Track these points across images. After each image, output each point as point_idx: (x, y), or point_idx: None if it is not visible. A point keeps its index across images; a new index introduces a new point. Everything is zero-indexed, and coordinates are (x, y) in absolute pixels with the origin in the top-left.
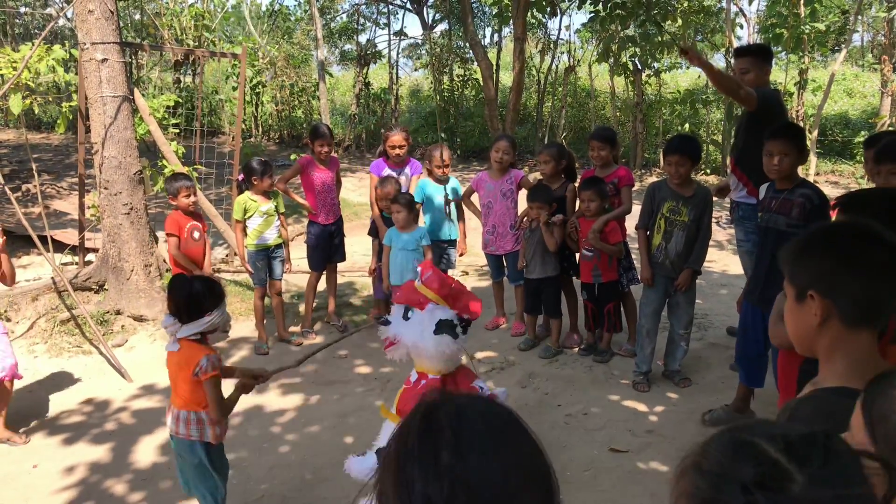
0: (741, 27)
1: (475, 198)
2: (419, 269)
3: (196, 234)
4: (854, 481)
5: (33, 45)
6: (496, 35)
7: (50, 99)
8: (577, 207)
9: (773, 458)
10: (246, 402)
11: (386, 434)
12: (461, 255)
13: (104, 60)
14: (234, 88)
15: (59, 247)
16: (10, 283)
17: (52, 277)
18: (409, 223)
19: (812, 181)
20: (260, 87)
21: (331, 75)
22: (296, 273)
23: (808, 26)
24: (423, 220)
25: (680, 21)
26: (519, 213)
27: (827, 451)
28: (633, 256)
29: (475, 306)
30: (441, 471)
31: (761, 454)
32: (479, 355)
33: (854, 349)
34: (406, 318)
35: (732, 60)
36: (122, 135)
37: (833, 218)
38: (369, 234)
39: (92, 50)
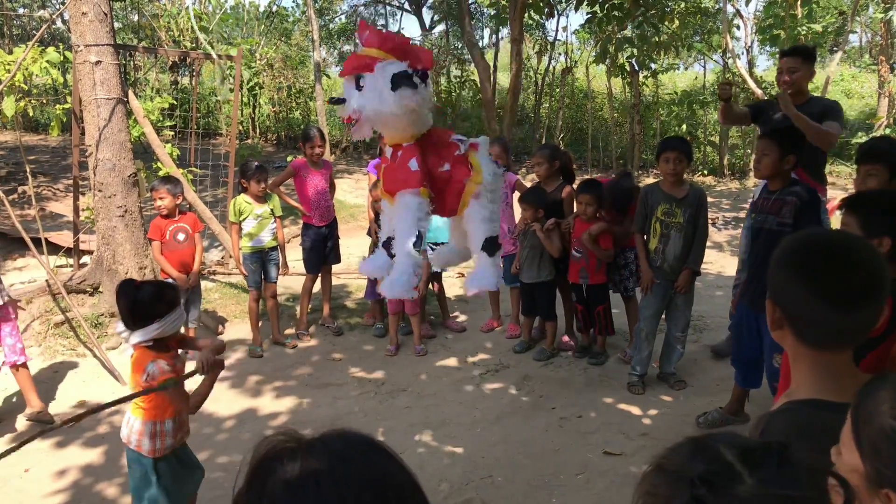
0: (738, 28)
1: None
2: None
3: (181, 237)
4: (803, 487)
5: (27, 47)
6: (494, 36)
7: (45, 101)
8: (574, 209)
9: (726, 459)
10: (240, 405)
11: (399, 218)
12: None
13: (98, 63)
14: (231, 90)
15: (55, 249)
16: None
17: (47, 280)
18: None
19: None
20: (257, 88)
21: (328, 77)
22: (291, 275)
23: (804, 27)
24: None
25: (677, 22)
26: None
27: (782, 460)
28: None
29: (425, 54)
30: None
31: (716, 455)
32: (474, 358)
33: (815, 364)
34: (359, 88)
35: (731, 61)
36: (117, 137)
37: (833, 217)
38: (368, 234)
39: (86, 52)
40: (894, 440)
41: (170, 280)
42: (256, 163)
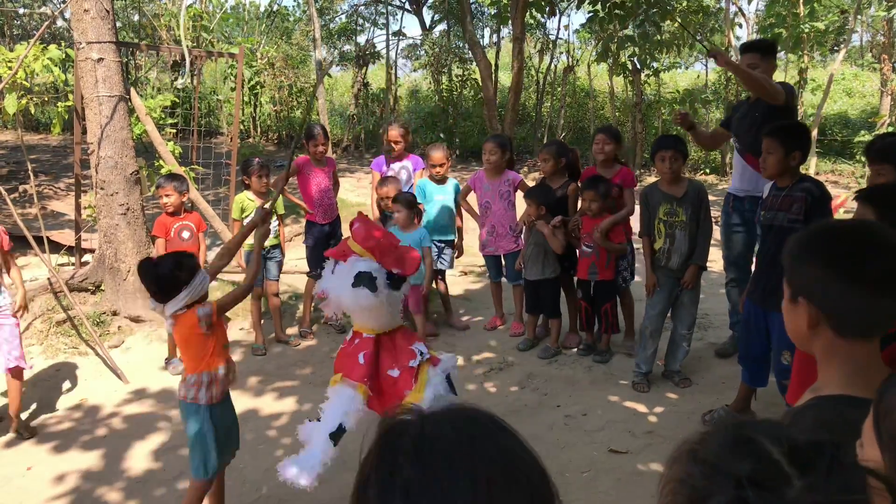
0: (740, 27)
1: (472, 198)
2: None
3: (185, 234)
4: (853, 492)
5: (29, 44)
6: (495, 35)
7: (46, 99)
8: (578, 206)
9: (774, 458)
10: (242, 404)
11: (328, 405)
12: (458, 256)
13: (100, 60)
14: (233, 89)
15: (57, 248)
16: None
17: (49, 278)
18: (408, 223)
19: None
20: (258, 87)
21: (329, 76)
22: (294, 273)
23: (807, 26)
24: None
25: (679, 20)
26: (518, 216)
27: (833, 462)
28: (636, 251)
29: (410, 259)
30: (400, 486)
31: (763, 452)
32: (478, 356)
33: (850, 358)
34: (333, 272)
35: (735, 58)
36: (119, 135)
37: (836, 216)
38: None
39: (88, 49)
40: None
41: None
42: (258, 159)
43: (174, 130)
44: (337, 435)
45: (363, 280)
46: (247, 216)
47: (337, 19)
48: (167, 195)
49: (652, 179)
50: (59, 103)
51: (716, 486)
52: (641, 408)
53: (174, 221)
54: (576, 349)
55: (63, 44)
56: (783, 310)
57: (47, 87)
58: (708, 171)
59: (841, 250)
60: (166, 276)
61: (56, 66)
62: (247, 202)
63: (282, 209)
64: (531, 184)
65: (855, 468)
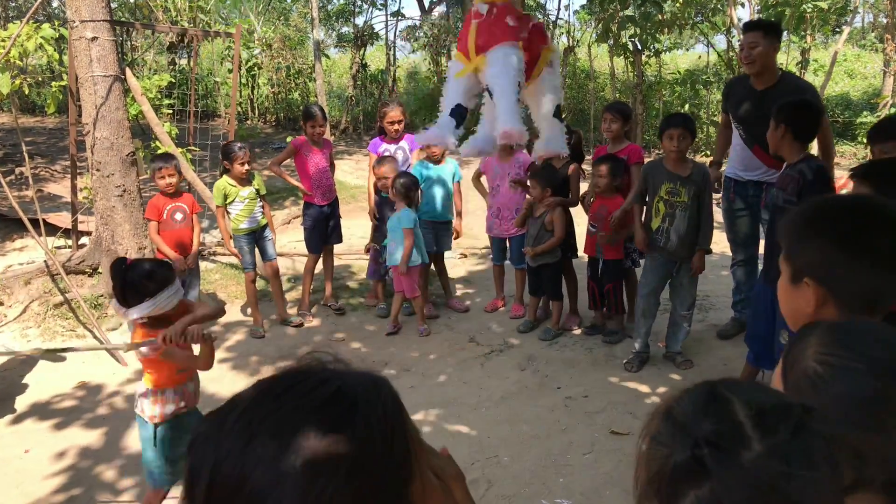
0: (742, 6)
1: (484, 180)
2: None
3: (178, 216)
4: (815, 463)
5: (22, 22)
6: None
7: (41, 79)
8: (579, 187)
9: (738, 419)
10: (241, 386)
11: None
12: (457, 237)
13: (94, 39)
14: (230, 71)
15: (53, 230)
16: None
17: (45, 261)
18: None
19: None
20: (256, 69)
21: (328, 57)
22: (292, 256)
23: (810, 5)
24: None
25: (680, 1)
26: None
27: (798, 427)
28: None
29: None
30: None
31: (728, 413)
32: (479, 338)
33: None
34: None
35: (735, 41)
36: (114, 115)
37: (844, 190)
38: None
39: (81, 28)
40: (813, 381)
41: (165, 259)
42: (238, 143)
43: (170, 112)
44: (457, 111)
45: None
46: (231, 202)
47: (335, 1)
48: (169, 175)
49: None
50: (54, 83)
51: (678, 444)
52: (643, 389)
53: (167, 203)
54: (578, 330)
55: (57, 23)
56: (780, 290)
57: (42, 67)
58: (709, 153)
59: (846, 227)
60: (133, 284)
61: (49, 45)
62: (228, 188)
63: (263, 189)
64: None
65: (820, 436)
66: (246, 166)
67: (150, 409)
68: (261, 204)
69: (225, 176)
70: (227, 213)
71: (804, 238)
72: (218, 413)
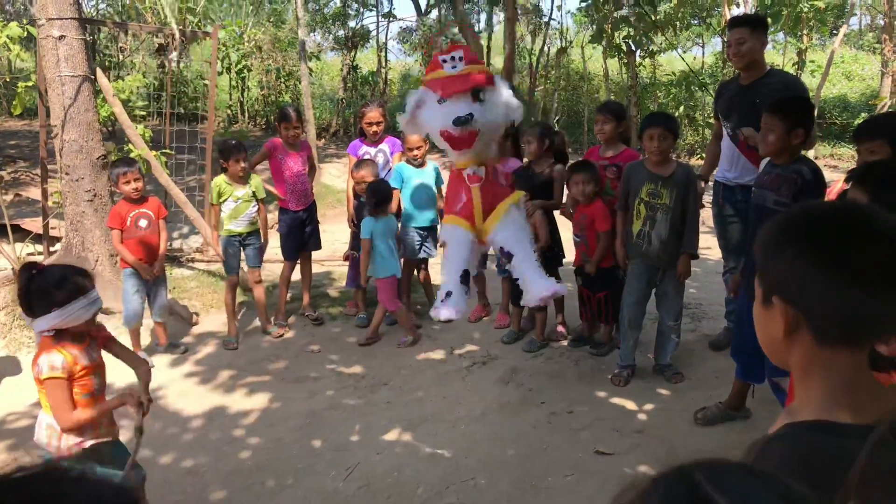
0: (737, 6)
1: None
2: None
3: (143, 223)
4: None
5: None
6: (488, 18)
7: (7, 79)
8: (564, 190)
9: None
10: (210, 401)
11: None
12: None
13: (62, 37)
14: (220, 73)
15: (27, 236)
16: None
17: (12, 268)
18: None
19: None
20: (246, 71)
21: (318, 59)
22: (269, 262)
23: (806, 5)
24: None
25: (675, 1)
26: None
27: None
28: None
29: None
30: None
31: None
32: (461, 349)
33: (832, 372)
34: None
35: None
36: (83, 117)
37: (837, 194)
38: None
39: (48, 26)
40: None
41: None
42: (235, 141)
43: (144, 114)
44: (465, 277)
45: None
46: (224, 200)
47: (332, 3)
48: (135, 179)
49: None
50: (20, 83)
51: None
52: (630, 405)
53: (130, 209)
54: (563, 341)
55: (25, 21)
56: (754, 314)
57: (25, 73)
58: (704, 155)
59: (822, 237)
60: (38, 291)
61: (16, 44)
62: (224, 186)
63: (262, 193)
64: None
65: None
66: (241, 164)
67: (55, 444)
68: (256, 207)
69: (222, 174)
70: (220, 212)
71: (775, 249)
72: None
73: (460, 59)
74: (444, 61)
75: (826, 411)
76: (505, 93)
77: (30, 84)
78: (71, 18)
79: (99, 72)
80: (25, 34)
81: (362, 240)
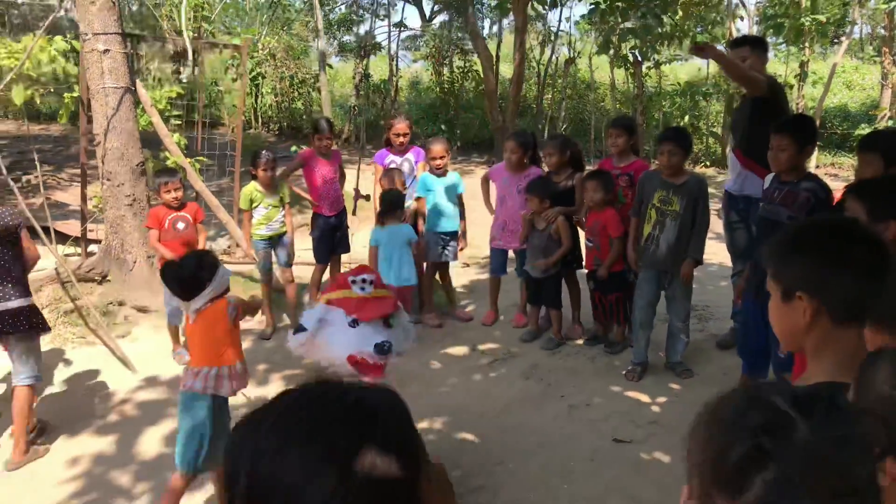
0: (741, 19)
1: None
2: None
3: (181, 225)
4: (854, 427)
5: (34, 35)
6: (495, 26)
7: (51, 90)
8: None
9: (781, 408)
10: (249, 394)
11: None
12: (461, 249)
13: (106, 51)
14: (234, 80)
15: (62, 238)
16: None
17: (56, 268)
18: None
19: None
20: (260, 78)
21: (331, 66)
22: (300, 265)
23: (808, 17)
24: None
25: (680, 13)
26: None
27: (830, 406)
28: None
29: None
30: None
31: (771, 405)
32: (482, 347)
33: (843, 345)
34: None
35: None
36: (125, 126)
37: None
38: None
39: (94, 40)
40: (889, 405)
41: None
42: (266, 151)
43: (180, 123)
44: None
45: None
46: (255, 206)
47: (336, 10)
48: (175, 189)
49: None
50: (66, 94)
51: (735, 439)
52: (644, 398)
53: (168, 213)
54: (580, 340)
55: (68, 34)
56: (771, 310)
57: (50, 78)
58: (708, 163)
59: (830, 244)
60: (190, 278)
61: (61, 56)
62: (255, 193)
63: (287, 198)
64: None
65: (848, 409)
66: (269, 172)
67: (213, 383)
68: (283, 212)
69: (253, 182)
70: (251, 217)
71: (794, 256)
72: (251, 419)
73: (371, 282)
74: (353, 282)
75: (835, 375)
76: (404, 317)
77: (75, 94)
78: (115, 33)
79: (139, 83)
80: (70, 47)
81: (369, 248)
